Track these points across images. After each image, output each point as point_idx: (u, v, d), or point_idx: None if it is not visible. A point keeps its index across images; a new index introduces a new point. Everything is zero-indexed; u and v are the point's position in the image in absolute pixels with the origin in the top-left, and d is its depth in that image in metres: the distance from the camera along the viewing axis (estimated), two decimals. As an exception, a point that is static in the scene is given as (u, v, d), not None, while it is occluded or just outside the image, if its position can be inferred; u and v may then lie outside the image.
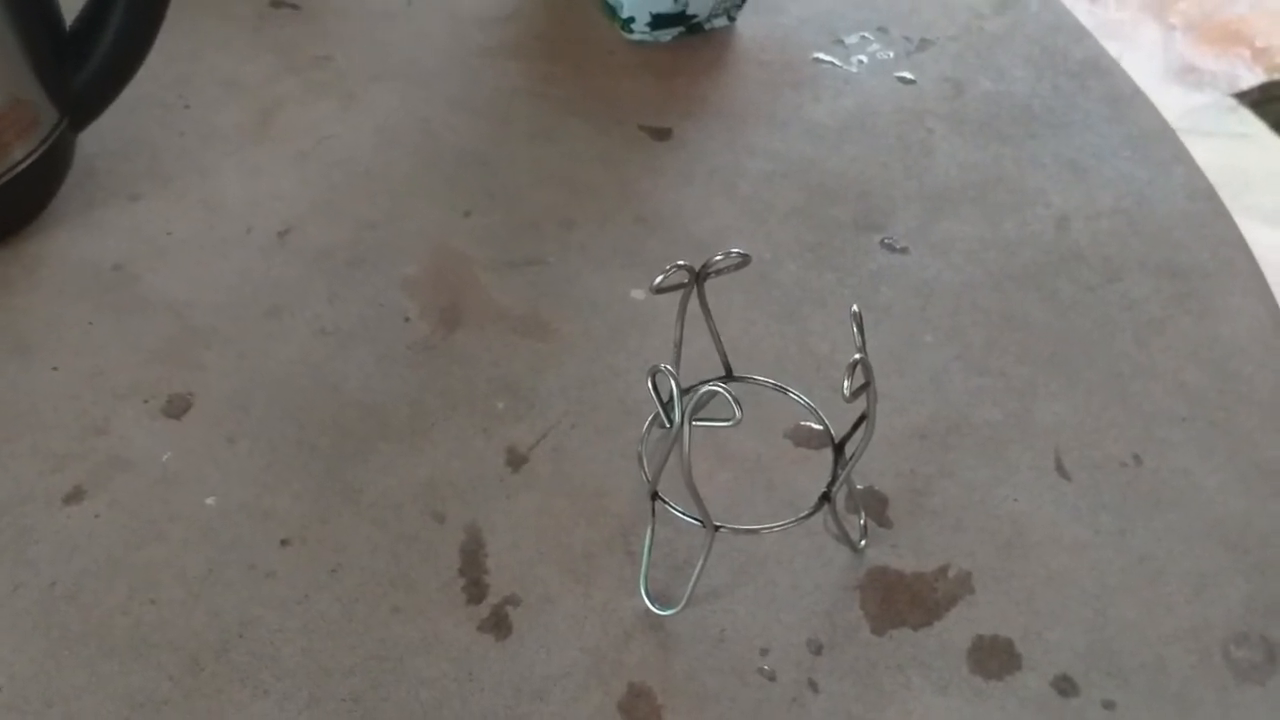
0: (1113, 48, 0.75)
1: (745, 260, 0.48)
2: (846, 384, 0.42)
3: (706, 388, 0.43)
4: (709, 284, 0.49)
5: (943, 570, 0.50)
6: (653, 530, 0.49)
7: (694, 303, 0.50)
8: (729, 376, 0.53)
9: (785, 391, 0.53)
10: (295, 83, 0.71)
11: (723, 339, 0.52)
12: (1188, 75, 2.14)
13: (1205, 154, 0.69)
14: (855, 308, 0.44)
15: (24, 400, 0.55)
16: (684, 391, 0.42)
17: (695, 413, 0.43)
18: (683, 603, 0.48)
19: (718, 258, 0.47)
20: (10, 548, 0.50)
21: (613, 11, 0.74)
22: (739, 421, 0.42)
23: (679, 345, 0.51)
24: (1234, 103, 2.08)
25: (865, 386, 0.44)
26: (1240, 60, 2.18)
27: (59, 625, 0.48)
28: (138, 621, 0.48)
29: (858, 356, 0.43)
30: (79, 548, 0.50)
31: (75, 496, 0.52)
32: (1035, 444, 0.54)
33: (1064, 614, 0.49)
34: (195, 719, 0.45)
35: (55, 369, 0.56)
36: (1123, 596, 0.50)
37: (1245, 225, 0.66)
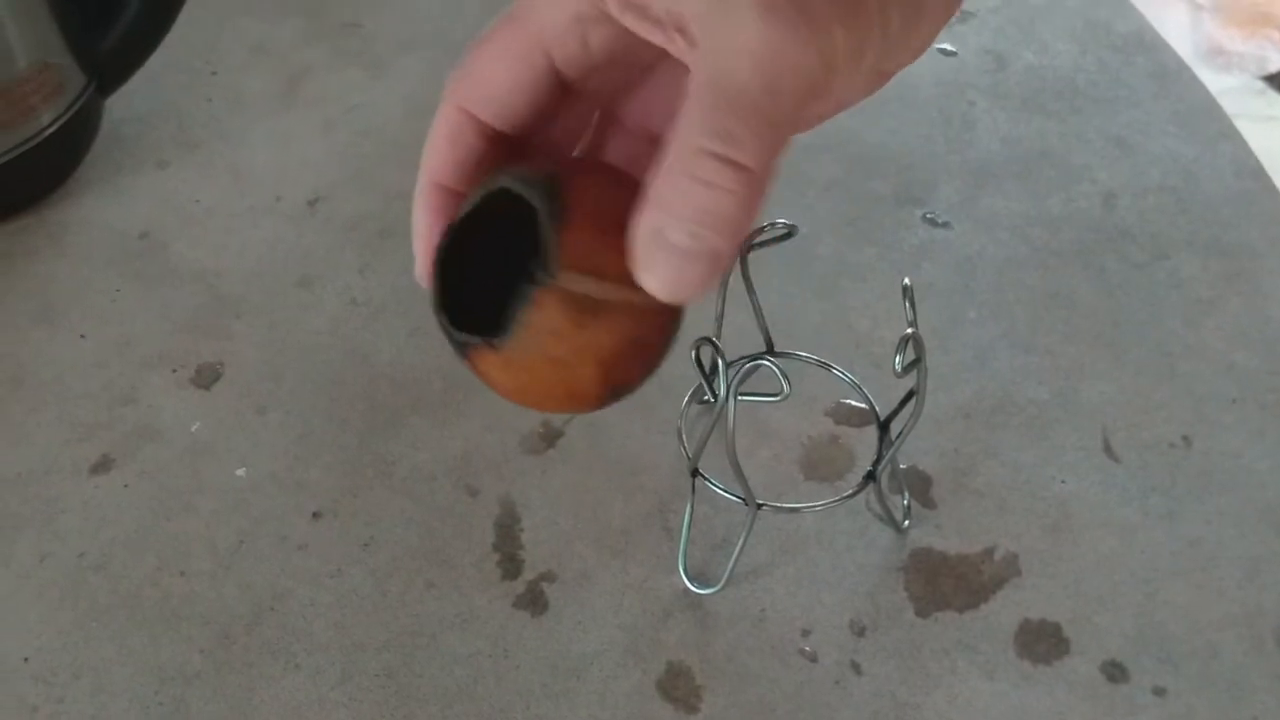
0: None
1: (791, 231, 0.46)
2: (898, 359, 0.41)
3: (751, 361, 0.42)
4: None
5: (988, 552, 0.49)
6: (692, 507, 0.48)
7: (734, 276, 0.49)
8: (771, 352, 0.52)
9: (828, 368, 0.52)
10: (323, 49, 0.70)
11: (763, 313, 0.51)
12: (1216, 57, 2.11)
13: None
14: (907, 280, 0.43)
15: (50, 369, 0.54)
16: (728, 365, 0.41)
17: (740, 385, 0.41)
18: (722, 581, 0.47)
19: (763, 226, 0.46)
20: (37, 518, 0.49)
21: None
22: (787, 396, 0.40)
23: (720, 318, 0.49)
24: (1263, 85, 2.06)
25: (916, 362, 0.42)
26: (1269, 42, 2.15)
27: (87, 596, 0.47)
28: (167, 593, 0.47)
29: (910, 331, 0.41)
30: (107, 518, 0.49)
31: (103, 466, 0.51)
32: (1082, 424, 0.53)
33: (1113, 598, 0.48)
34: (226, 692, 0.45)
35: (82, 337, 0.55)
36: (1173, 581, 0.49)
37: None
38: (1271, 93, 2.05)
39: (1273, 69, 2.10)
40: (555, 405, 0.33)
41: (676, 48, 0.30)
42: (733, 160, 0.28)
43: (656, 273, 0.29)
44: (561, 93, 0.34)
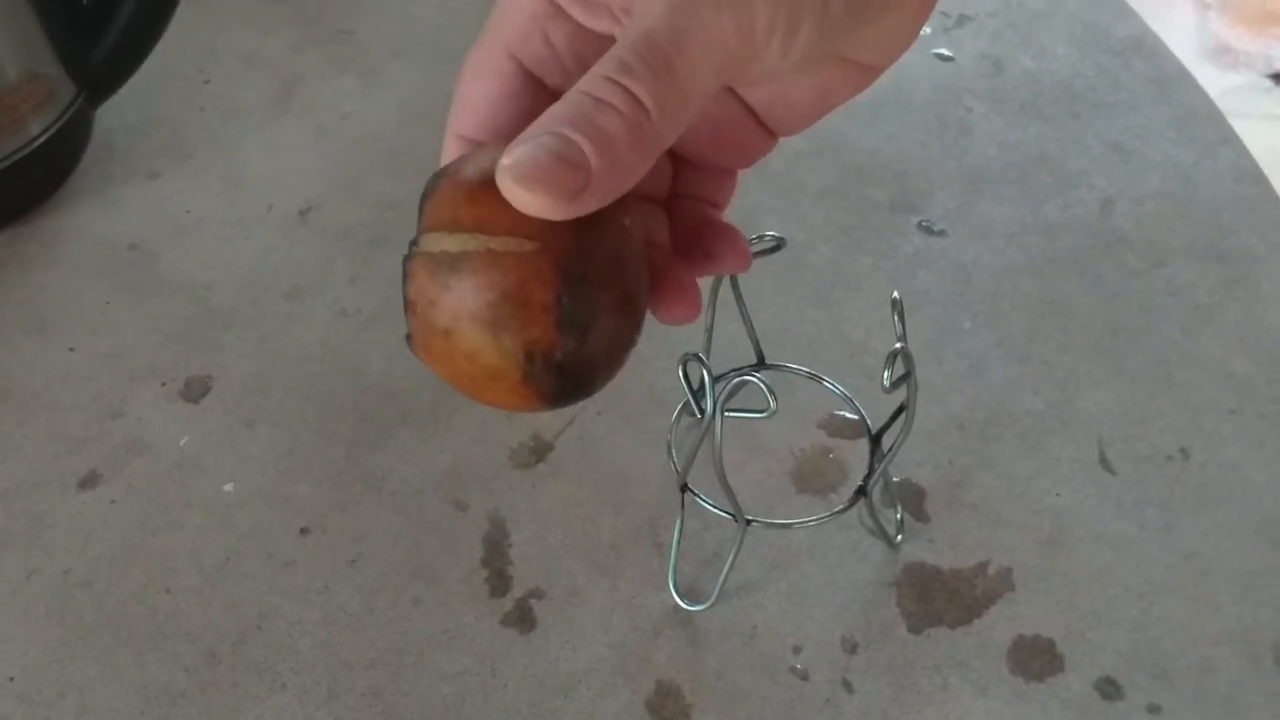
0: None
1: (779, 244, 0.46)
2: (886, 374, 0.41)
3: (739, 377, 0.41)
4: (742, 268, 0.48)
5: (982, 567, 0.49)
6: (681, 523, 0.48)
7: (724, 287, 0.48)
8: (761, 364, 0.52)
9: (819, 380, 0.52)
10: (316, 57, 0.69)
11: (754, 325, 0.50)
12: (1223, 56, 2.10)
13: (1240, 136, 0.67)
14: (896, 294, 0.42)
15: (39, 381, 0.54)
16: (715, 380, 0.41)
17: (727, 402, 0.41)
18: (713, 598, 0.47)
19: (752, 239, 0.46)
20: (24, 533, 0.49)
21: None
22: (773, 413, 0.40)
23: (710, 331, 0.49)
24: (1270, 84, 2.04)
25: (905, 377, 0.42)
26: (1277, 40, 2.13)
27: (73, 614, 0.47)
28: (153, 611, 0.47)
29: (898, 346, 0.41)
30: (94, 534, 0.49)
31: (91, 481, 0.51)
32: (1078, 436, 0.53)
33: (1108, 613, 0.47)
34: (211, 712, 0.44)
35: (72, 349, 0.55)
36: (1168, 596, 0.48)
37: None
38: (1279, 91, 2.04)
39: (1280, 67, 2.08)
40: (497, 391, 0.31)
41: (621, 28, 0.31)
42: (626, 87, 0.27)
43: (512, 166, 0.27)
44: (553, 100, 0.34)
